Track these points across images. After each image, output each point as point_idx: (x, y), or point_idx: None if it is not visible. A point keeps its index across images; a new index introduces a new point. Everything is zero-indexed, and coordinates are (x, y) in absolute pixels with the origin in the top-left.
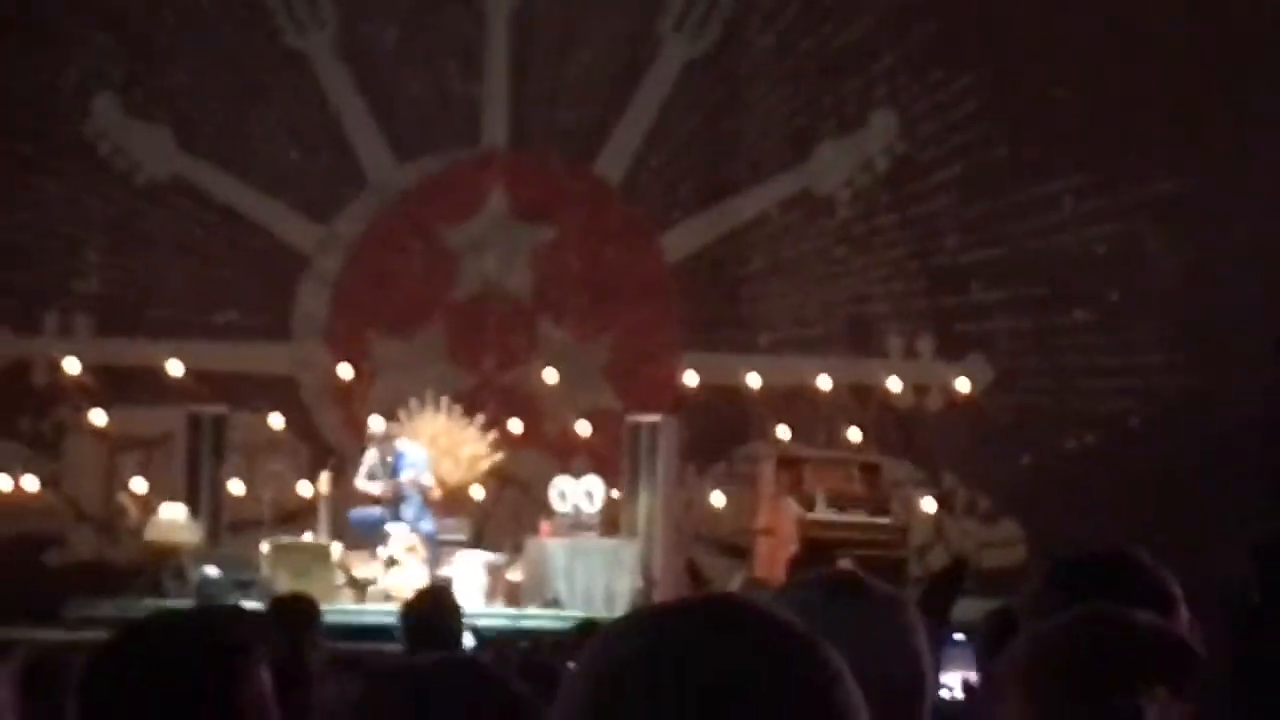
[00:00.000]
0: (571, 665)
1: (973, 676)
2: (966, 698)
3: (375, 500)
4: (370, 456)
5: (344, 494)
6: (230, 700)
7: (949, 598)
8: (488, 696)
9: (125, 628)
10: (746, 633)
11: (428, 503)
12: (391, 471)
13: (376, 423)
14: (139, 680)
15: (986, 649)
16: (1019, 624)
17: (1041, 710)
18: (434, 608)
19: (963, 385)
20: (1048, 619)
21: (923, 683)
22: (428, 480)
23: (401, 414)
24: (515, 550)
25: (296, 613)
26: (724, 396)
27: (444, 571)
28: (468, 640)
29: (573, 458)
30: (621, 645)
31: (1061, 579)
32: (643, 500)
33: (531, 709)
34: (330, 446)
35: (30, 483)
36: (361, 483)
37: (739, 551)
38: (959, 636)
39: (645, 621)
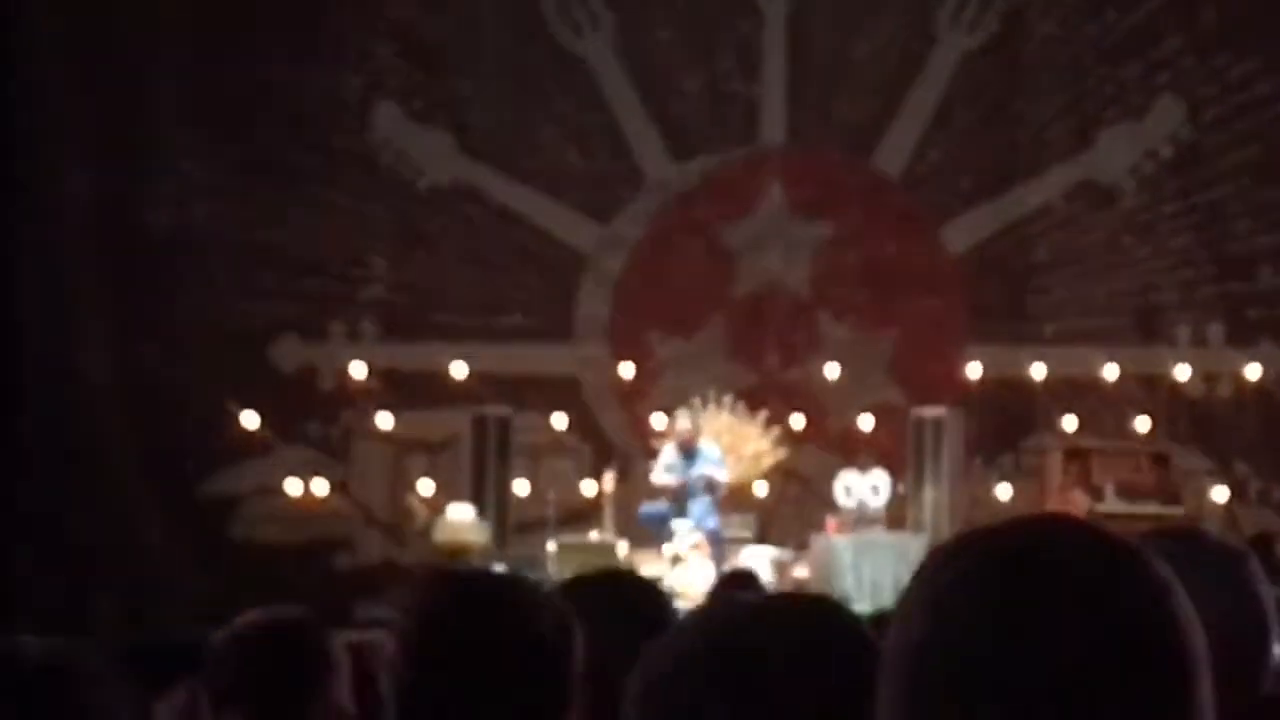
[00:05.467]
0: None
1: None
2: None
3: (672, 494)
4: (668, 451)
5: (628, 493)
6: (559, 670)
7: None
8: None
9: (456, 588)
10: (1076, 544)
11: (714, 499)
12: (686, 467)
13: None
14: (473, 639)
15: None
16: None
17: None
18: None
19: (1253, 373)
20: None
21: (1268, 632)
22: (721, 477)
23: (683, 413)
24: (800, 546)
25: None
26: (1009, 388)
27: (729, 569)
28: None
29: (856, 453)
30: (954, 564)
31: None
32: (928, 494)
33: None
34: (613, 446)
35: (320, 487)
36: (658, 476)
37: None
38: None
39: (975, 540)
